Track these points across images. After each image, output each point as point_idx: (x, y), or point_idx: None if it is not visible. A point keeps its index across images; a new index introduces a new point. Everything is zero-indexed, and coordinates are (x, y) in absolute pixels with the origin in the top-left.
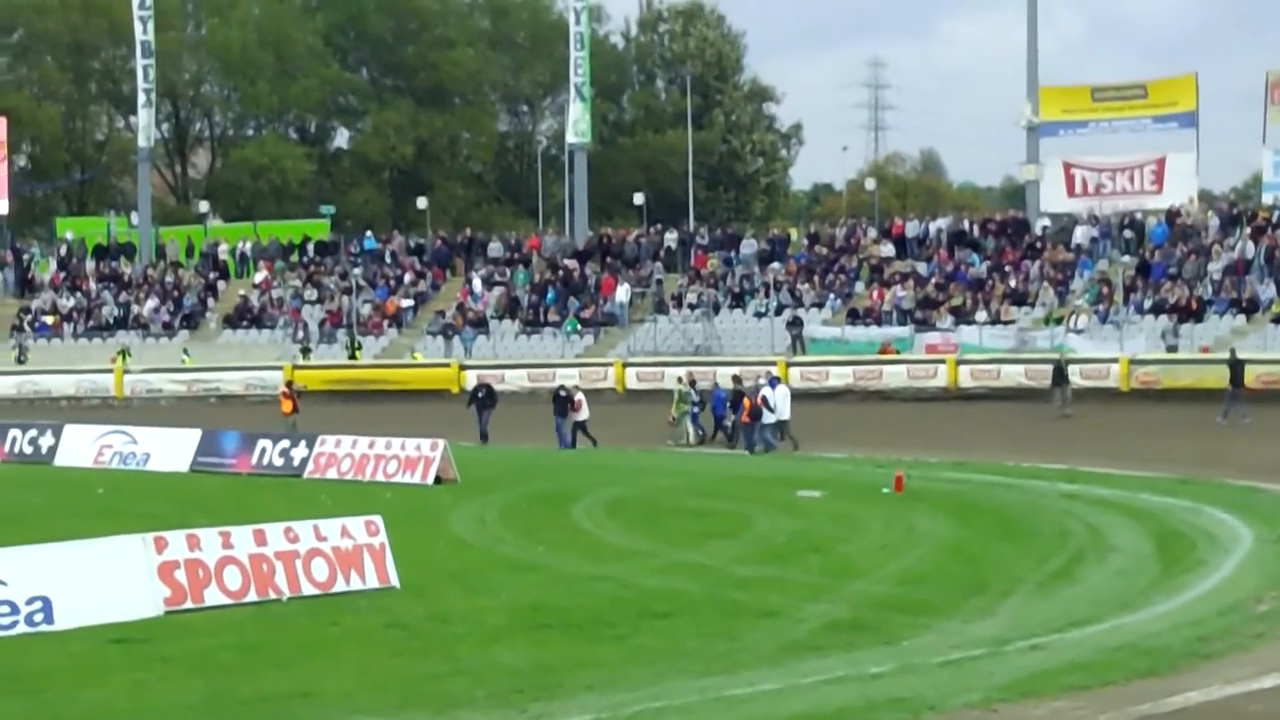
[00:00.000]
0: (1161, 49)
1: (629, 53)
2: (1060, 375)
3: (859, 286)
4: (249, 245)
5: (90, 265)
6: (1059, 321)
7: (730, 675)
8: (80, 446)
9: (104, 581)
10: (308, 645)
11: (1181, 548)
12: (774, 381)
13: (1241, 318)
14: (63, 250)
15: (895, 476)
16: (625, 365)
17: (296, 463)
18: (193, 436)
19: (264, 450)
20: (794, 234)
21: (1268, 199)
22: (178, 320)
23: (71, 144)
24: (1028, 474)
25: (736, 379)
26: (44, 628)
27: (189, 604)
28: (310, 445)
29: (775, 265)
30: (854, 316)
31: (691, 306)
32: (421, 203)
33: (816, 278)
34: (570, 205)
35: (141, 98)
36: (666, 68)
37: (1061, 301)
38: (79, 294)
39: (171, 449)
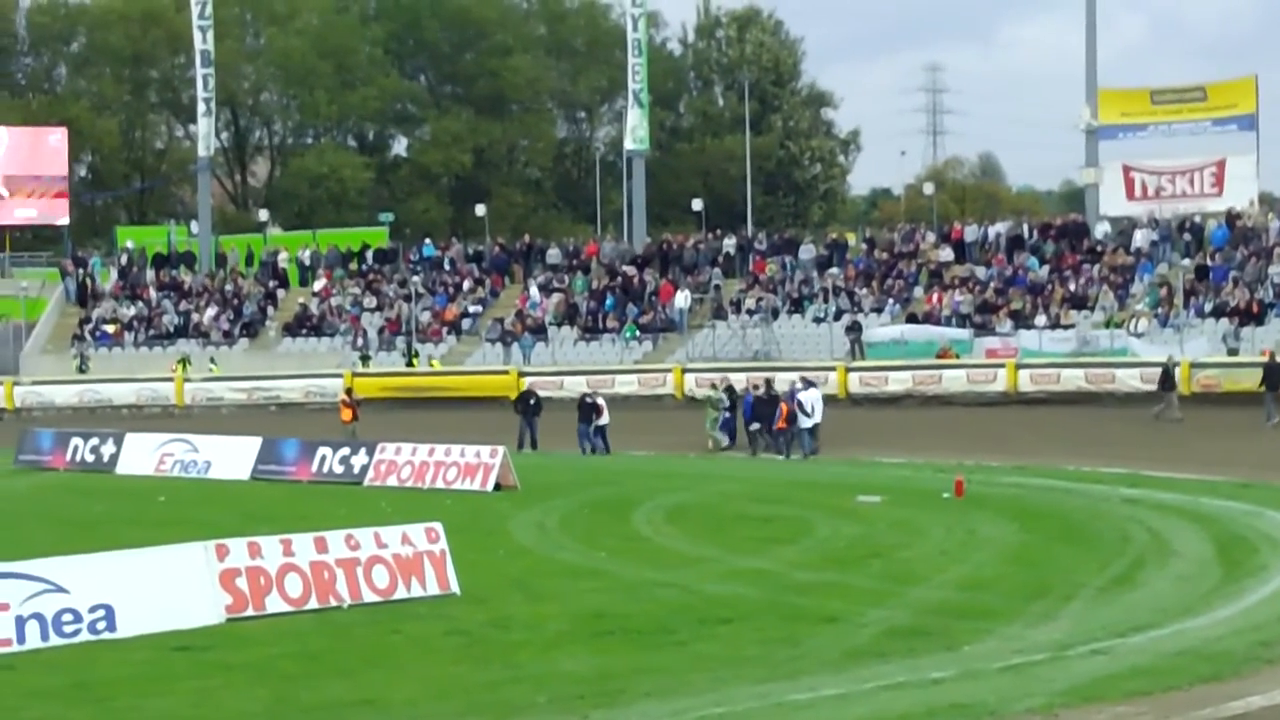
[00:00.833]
0: (1221, 51)
1: (686, 59)
2: (1169, 379)
3: (918, 291)
4: (308, 253)
5: (150, 274)
6: (1119, 325)
7: (791, 681)
8: (141, 455)
9: (166, 589)
10: (369, 653)
11: (1243, 552)
12: (808, 385)
13: None
14: (123, 259)
15: (955, 481)
16: (684, 371)
17: (357, 470)
18: (253, 444)
19: (324, 458)
20: (852, 239)
21: None
22: (238, 329)
23: (131, 154)
24: (1088, 478)
25: (768, 383)
26: (106, 635)
27: (250, 611)
28: (370, 452)
29: (834, 270)
30: (913, 321)
31: (750, 312)
32: (480, 210)
33: (875, 282)
34: (628, 211)
35: (201, 107)
36: (724, 74)
37: (1121, 305)
38: (139, 303)
39: (232, 457)
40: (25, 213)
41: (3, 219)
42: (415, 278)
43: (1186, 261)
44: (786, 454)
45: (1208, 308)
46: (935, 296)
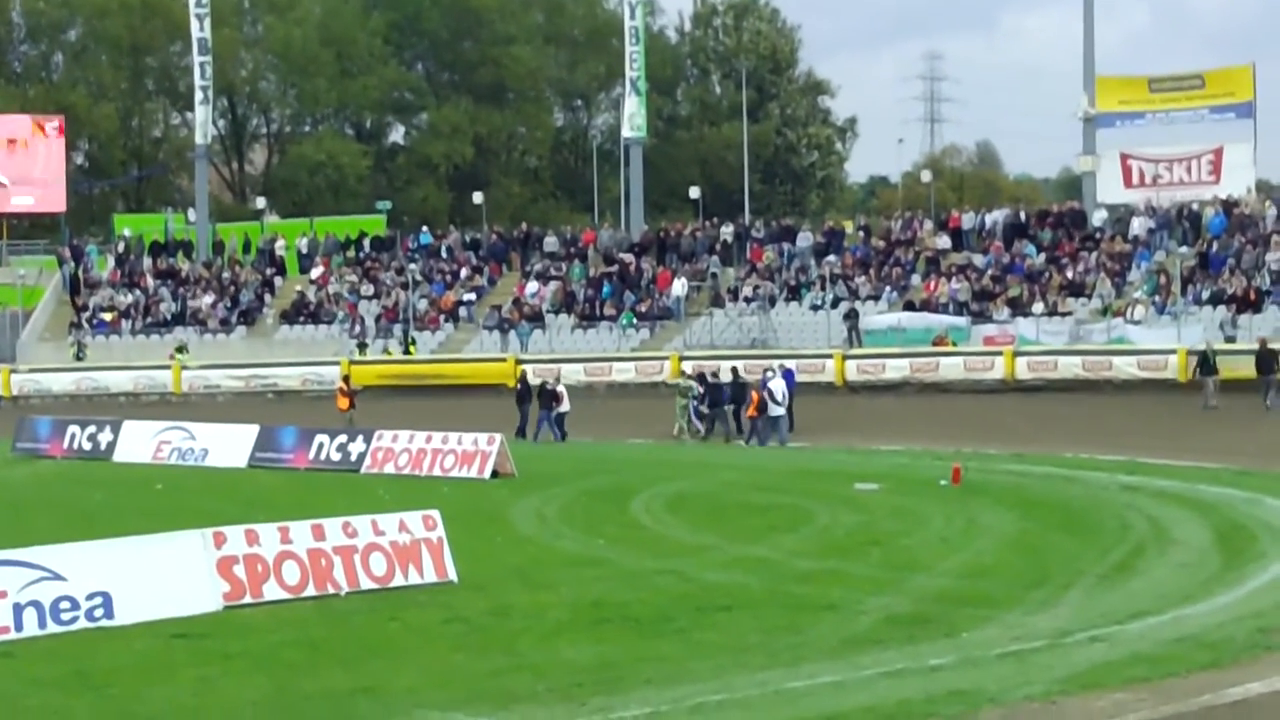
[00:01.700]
0: (1222, 40)
1: (683, 47)
2: (1207, 366)
3: (915, 279)
4: (306, 241)
5: (148, 262)
6: (1116, 313)
7: (791, 669)
8: (139, 442)
9: (163, 577)
10: (368, 641)
11: (1242, 539)
12: (789, 374)
13: None
14: (120, 247)
15: (953, 469)
16: (681, 359)
17: (354, 458)
18: (251, 432)
19: (321, 445)
20: (850, 227)
21: None
22: (235, 316)
23: (129, 141)
24: (1087, 466)
25: (734, 371)
26: (104, 623)
27: (248, 599)
28: (368, 440)
29: (831, 258)
30: (910, 309)
31: (748, 300)
32: (478, 198)
33: (872, 270)
34: (626, 200)
35: (198, 95)
36: (721, 62)
37: (1119, 293)
38: (136, 290)
39: (230, 445)
40: (22, 201)
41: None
42: (413, 265)
43: (1184, 249)
44: (759, 441)
45: (1205, 295)
46: (933, 284)
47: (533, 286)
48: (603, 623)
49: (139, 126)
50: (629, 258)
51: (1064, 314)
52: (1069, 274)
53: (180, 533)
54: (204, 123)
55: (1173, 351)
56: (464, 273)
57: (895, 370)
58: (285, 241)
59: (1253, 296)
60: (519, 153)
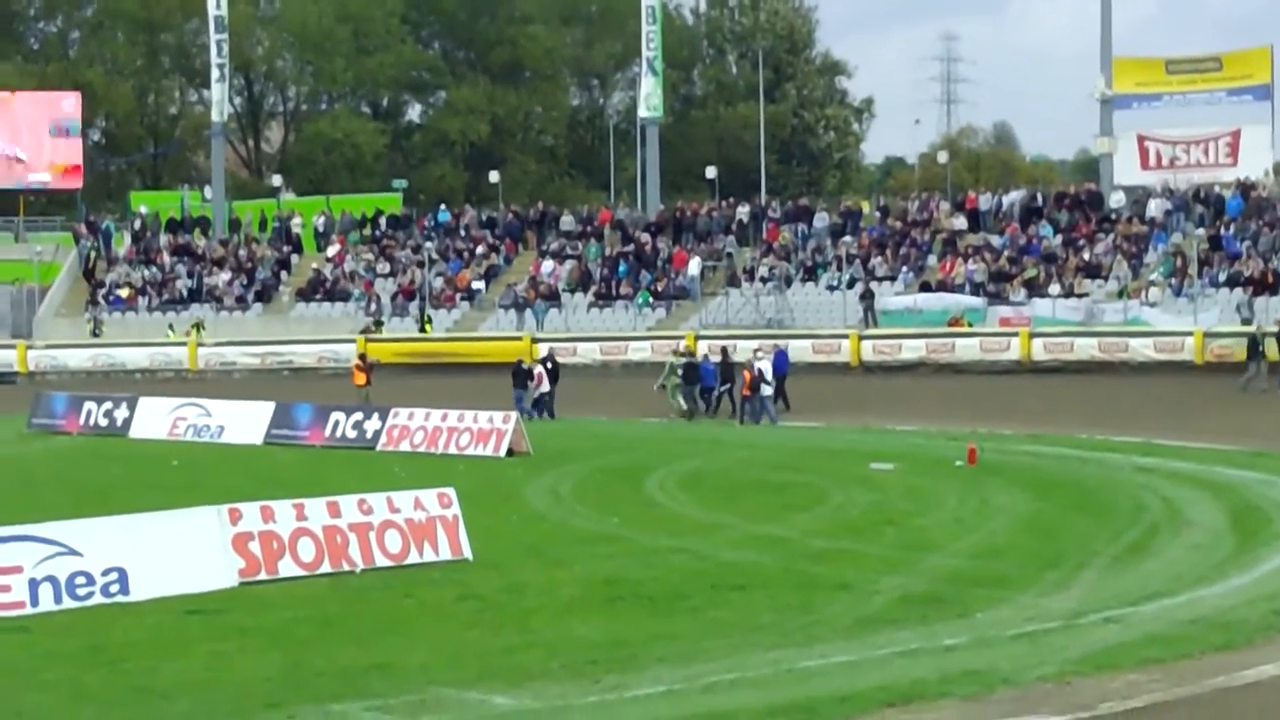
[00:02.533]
0: (1237, 22)
1: (700, 27)
2: (1256, 348)
3: (931, 260)
4: (322, 219)
5: (164, 239)
6: (1133, 295)
7: (804, 648)
8: (155, 419)
9: (179, 553)
10: (383, 617)
11: (1257, 521)
12: (781, 355)
13: None
14: (137, 224)
15: (968, 449)
16: (697, 338)
17: (370, 435)
18: (266, 409)
19: (337, 423)
20: (866, 207)
21: None
22: (251, 294)
23: (145, 118)
24: (1102, 447)
25: (724, 351)
26: (120, 598)
27: (263, 575)
28: (383, 418)
29: (848, 238)
30: (926, 289)
31: (764, 280)
32: (494, 177)
33: (889, 251)
34: (642, 179)
35: (215, 73)
36: (737, 42)
37: (1135, 275)
38: (153, 268)
39: (245, 422)
40: (39, 177)
41: (18, 183)
42: (429, 244)
43: (1200, 231)
44: (752, 420)
45: (1222, 278)
46: (949, 265)
47: (549, 265)
48: (616, 600)
49: (155, 104)
50: (645, 237)
51: (1080, 295)
52: (1085, 255)
53: (196, 509)
54: (220, 100)
55: (1189, 334)
56: (480, 251)
57: (911, 351)
58: (302, 219)
59: (1270, 279)
60: (535, 132)
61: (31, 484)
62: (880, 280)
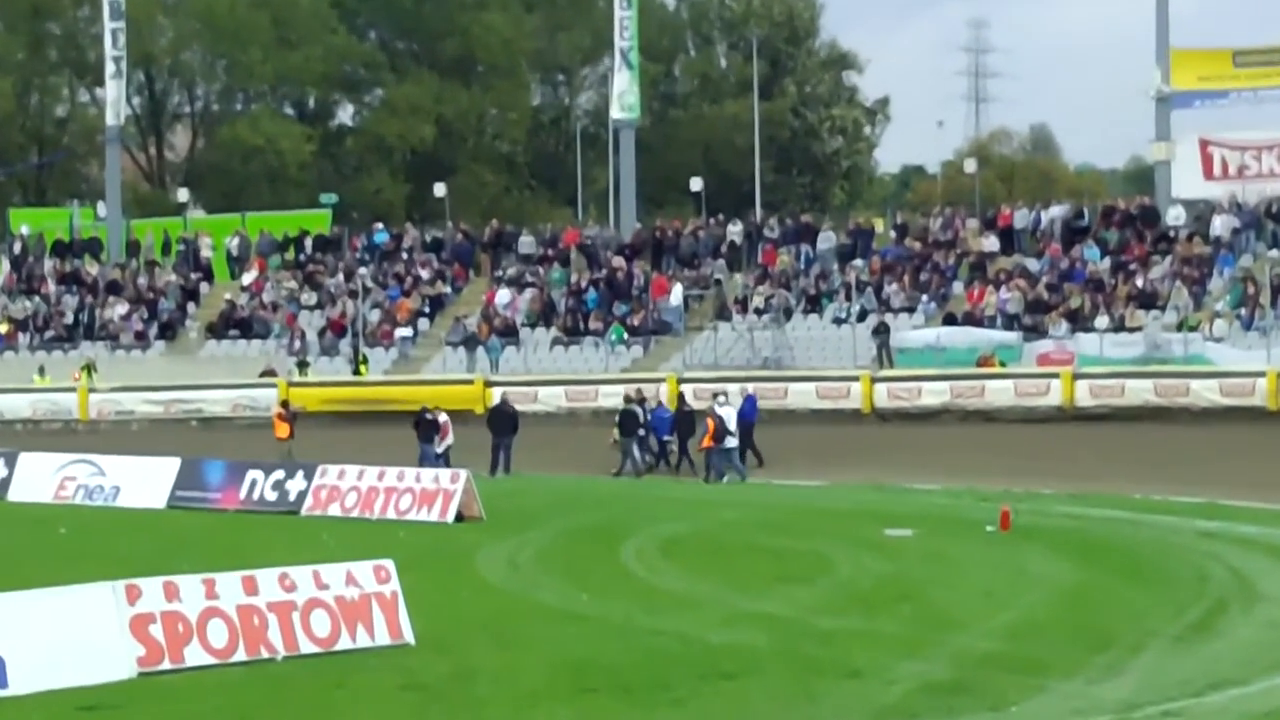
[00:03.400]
0: None
1: (681, 12)
2: None
3: (957, 287)
4: (237, 240)
5: (49, 264)
6: (1194, 328)
7: None
8: (38, 478)
9: (67, 638)
10: (309, 712)
11: None
12: (750, 400)
13: None
14: (16, 247)
15: (1001, 511)
16: (680, 381)
17: (293, 497)
18: (170, 466)
19: (254, 482)
20: (880, 225)
21: None
22: (153, 329)
23: (27, 122)
24: (1158, 508)
25: (681, 398)
26: None
27: (166, 664)
28: (309, 476)
29: (858, 262)
30: (951, 323)
31: (759, 312)
32: (440, 190)
33: (906, 277)
34: (615, 192)
35: (110, 67)
36: (727, 30)
37: (1197, 304)
38: (36, 298)
39: (145, 481)
40: None
41: None
42: (363, 270)
43: (1274, 253)
44: (716, 476)
45: None
46: (978, 293)
47: (505, 295)
48: (586, 691)
49: (39, 105)
50: (619, 261)
51: (1133, 329)
52: (1139, 282)
53: (86, 585)
54: (116, 100)
55: (1261, 374)
56: (424, 277)
57: (933, 395)
58: (212, 241)
59: None
60: (489, 137)
61: None
62: (896, 312)
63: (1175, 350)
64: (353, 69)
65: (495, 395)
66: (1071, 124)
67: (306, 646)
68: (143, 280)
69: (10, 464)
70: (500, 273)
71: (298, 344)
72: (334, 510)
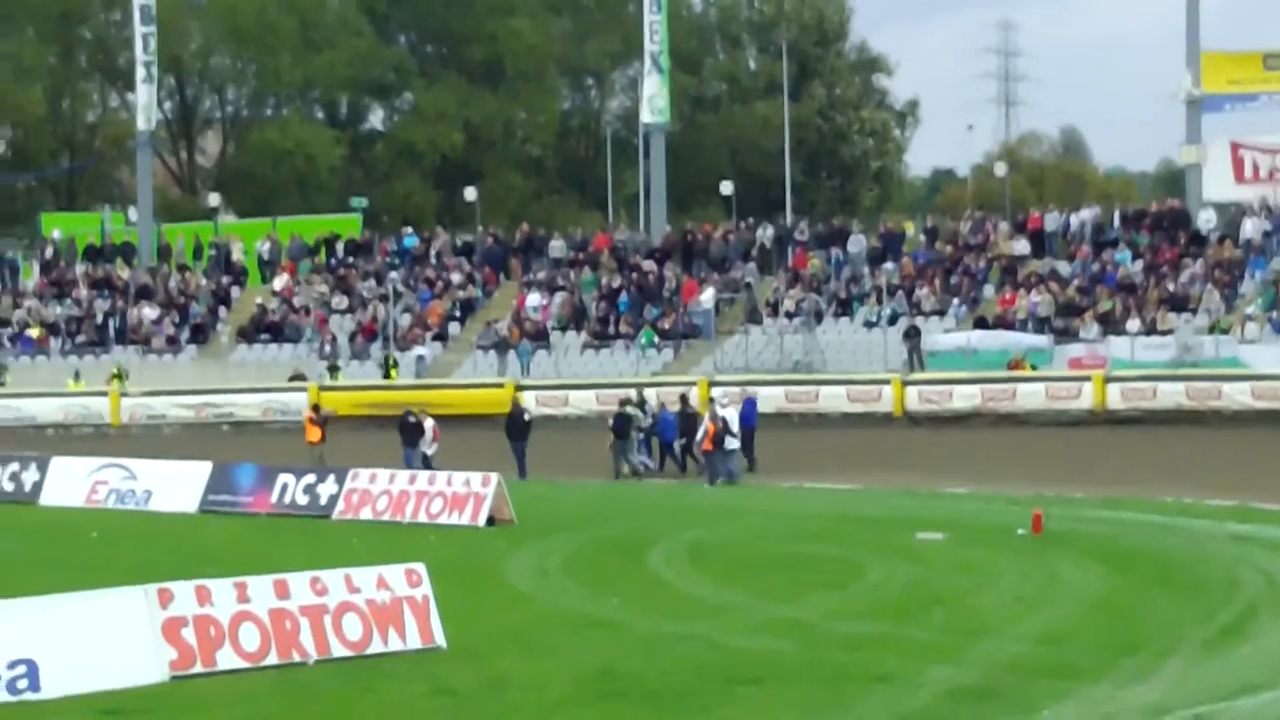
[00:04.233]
0: None
1: (711, 16)
2: None
3: (987, 290)
4: (267, 245)
5: (81, 269)
6: (1226, 331)
7: None
8: (70, 483)
9: (98, 642)
10: (339, 717)
11: None
12: (749, 404)
13: None
14: (48, 252)
15: (1033, 516)
16: (711, 384)
17: (324, 501)
18: (202, 471)
19: (286, 487)
20: (910, 228)
21: None
22: (184, 334)
23: (58, 128)
24: (1190, 512)
25: (683, 398)
26: (28, 696)
27: (198, 668)
28: (340, 481)
29: (888, 266)
30: (982, 326)
31: (789, 315)
32: (471, 194)
33: (937, 280)
34: (645, 196)
35: (140, 72)
36: (756, 33)
37: (1229, 307)
38: (68, 303)
39: (177, 486)
40: None
41: None
42: (393, 274)
43: None
44: (713, 479)
45: None
46: (1008, 297)
47: (535, 299)
48: (613, 696)
49: (70, 110)
50: (649, 265)
51: (1164, 332)
52: (1170, 285)
53: (119, 589)
54: (147, 105)
55: None
56: (454, 282)
57: (964, 399)
58: (243, 245)
59: None
60: (519, 141)
61: None
62: (927, 315)
63: (1207, 353)
64: (381, 73)
65: (526, 399)
66: (1101, 127)
67: (338, 650)
68: (174, 284)
69: (42, 468)
70: (531, 277)
71: (328, 348)
72: (365, 514)
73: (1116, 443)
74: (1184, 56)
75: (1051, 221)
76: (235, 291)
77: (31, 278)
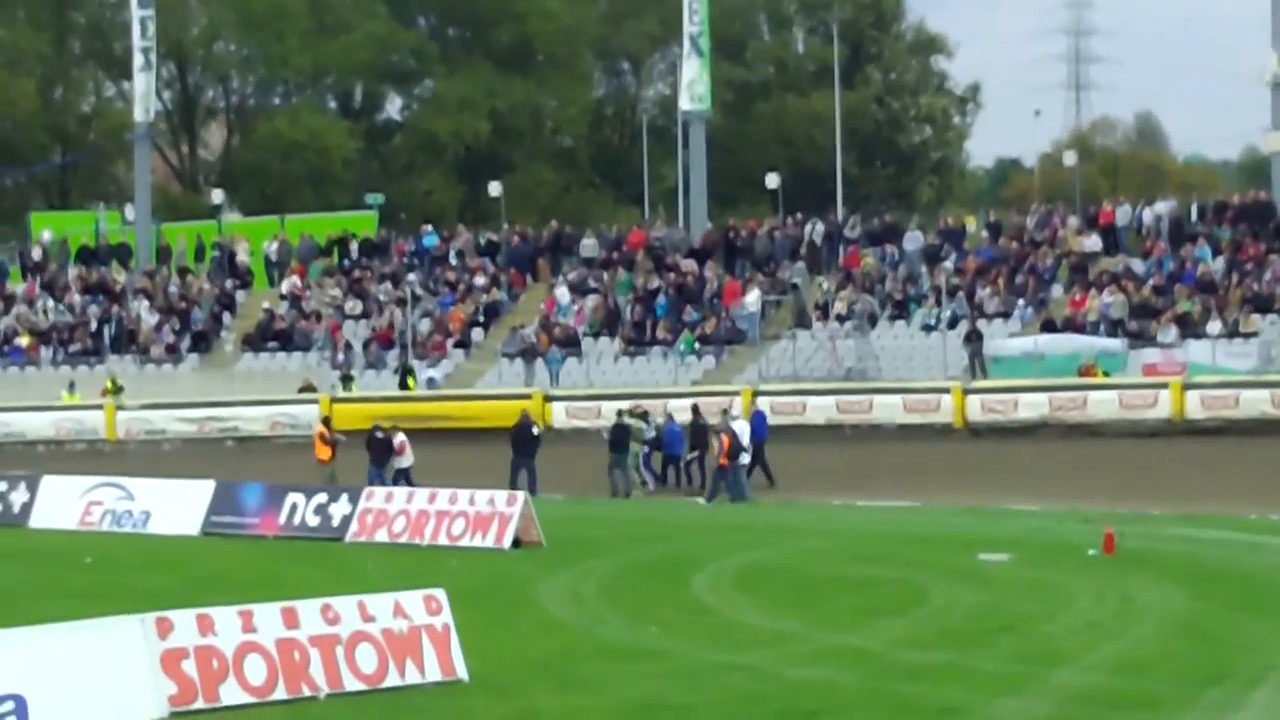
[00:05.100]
0: None
1: None
2: None
3: (1056, 291)
4: (275, 245)
5: (73, 272)
6: None
7: None
8: (62, 504)
9: (92, 676)
10: None
11: None
12: (758, 416)
13: None
14: (38, 254)
15: (1105, 534)
16: (756, 394)
17: (336, 522)
18: (204, 490)
19: (295, 507)
20: (972, 223)
21: None
22: (185, 341)
23: (51, 119)
24: (1276, 530)
25: (695, 409)
26: None
27: (200, 704)
28: (354, 500)
29: (948, 264)
30: (1050, 329)
31: (840, 318)
32: (495, 189)
33: (1001, 280)
34: (685, 190)
35: (138, 59)
36: (806, 12)
37: None
38: (60, 309)
39: (177, 506)
40: None
41: None
42: (412, 276)
43: None
44: (727, 494)
45: None
46: (1079, 298)
47: (565, 300)
48: None
49: (63, 100)
50: (689, 265)
51: (1248, 335)
52: (1254, 284)
53: (114, 619)
54: (145, 95)
55: None
56: (478, 284)
57: (1030, 408)
58: (249, 245)
59: None
60: (548, 131)
61: None
62: (990, 318)
63: None
64: (400, 59)
65: (555, 410)
66: (1180, 112)
67: (351, 684)
68: (174, 288)
69: (32, 488)
70: (560, 278)
71: (341, 356)
72: (381, 536)
73: (1196, 455)
74: (1269, 36)
75: (1124, 215)
76: (240, 296)
77: (19, 283)
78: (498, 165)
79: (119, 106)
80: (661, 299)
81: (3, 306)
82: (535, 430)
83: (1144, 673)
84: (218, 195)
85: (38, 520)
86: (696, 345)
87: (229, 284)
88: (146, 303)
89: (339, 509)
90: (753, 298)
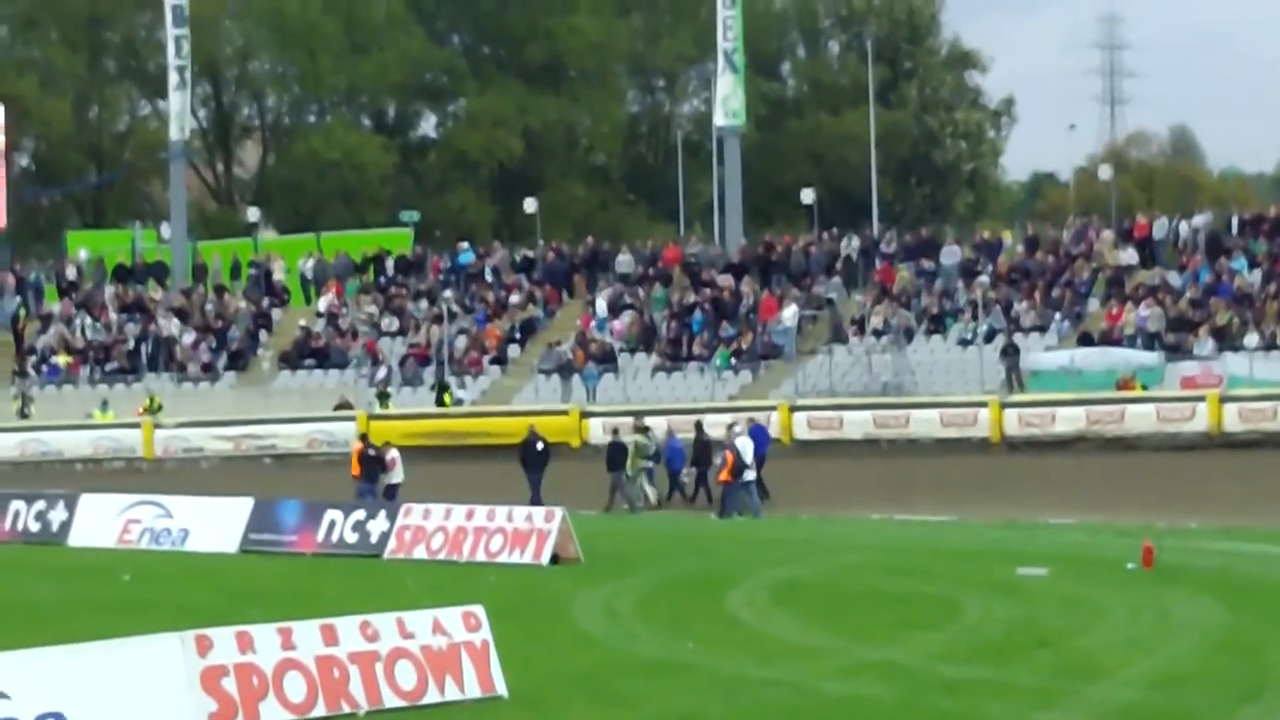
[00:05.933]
0: None
1: (790, 11)
2: None
3: (1092, 304)
4: (311, 263)
5: (110, 290)
6: None
7: None
8: (100, 522)
9: (131, 693)
10: None
11: None
12: (758, 431)
13: None
14: (75, 272)
15: (1143, 548)
16: (792, 410)
17: (374, 539)
18: (242, 508)
19: (333, 524)
20: (1008, 238)
21: None
22: (222, 359)
23: (86, 138)
24: None
25: (698, 425)
26: None
27: None
28: (392, 517)
29: (984, 278)
30: (1086, 342)
31: (877, 333)
32: (530, 206)
33: (1037, 294)
34: (720, 206)
35: (173, 78)
36: (841, 28)
37: None
38: (97, 327)
39: (216, 523)
40: None
41: None
42: (448, 293)
43: None
44: (736, 510)
45: None
46: (1115, 311)
47: (601, 318)
48: None
49: (98, 119)
50: (725, 280)
51: None
52: None
53: (153, 636)
54: (180, 113)
55: None
56: (514, 301)
57: (1068, 422)
58: (285, 263)
59: None
60: (582, 148)
61: None
62: (1027, 332)
63: None
64: (433, 77)
65: (592, 426)
66: (1215, 126)
67: (391, 700)
68: (210, 306)
69: (70, 507)
70: (596, 294)
71: (378, 374)
72: (419, 553)
73: (1234, 468)
74: None
75: (1161, 228)
76: (277, 314)
77: (56, 301)
78: (531, 182)
79: (154, 125)
80: (698, 314)
81: (40, 325)
82: (541, 445)
83: (1181, 688)
84: (253, 213)
85: (76, 539)
86: (733, 360)
87: (265, 302)
88: (178, 322)
89: (377, 525)
90: (789, 313)
